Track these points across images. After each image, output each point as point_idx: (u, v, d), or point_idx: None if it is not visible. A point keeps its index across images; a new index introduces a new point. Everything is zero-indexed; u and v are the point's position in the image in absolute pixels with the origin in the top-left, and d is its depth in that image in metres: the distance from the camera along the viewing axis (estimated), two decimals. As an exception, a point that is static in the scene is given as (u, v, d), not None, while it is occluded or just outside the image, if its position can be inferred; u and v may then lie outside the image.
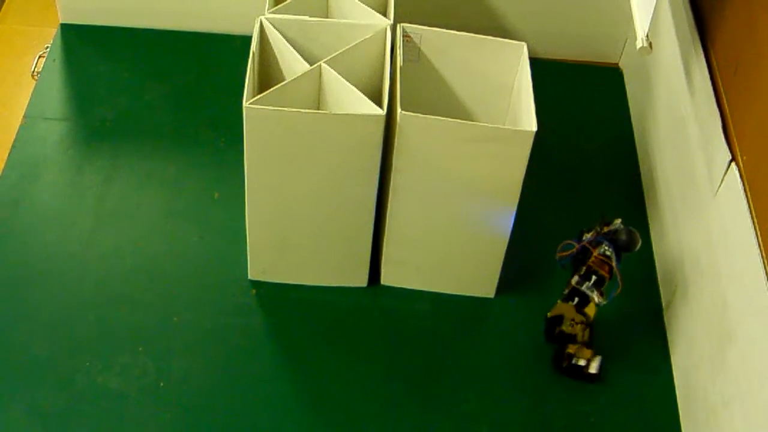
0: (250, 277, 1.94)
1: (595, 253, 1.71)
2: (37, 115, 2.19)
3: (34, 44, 2.40)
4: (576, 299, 1.77)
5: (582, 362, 1.82)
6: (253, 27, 1.78)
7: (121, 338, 1.84)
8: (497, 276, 1.93)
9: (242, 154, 1.72)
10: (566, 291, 1.77)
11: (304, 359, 1.85)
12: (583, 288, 1.73)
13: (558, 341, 1.84)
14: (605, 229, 1.75)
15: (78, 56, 2.33)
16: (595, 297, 1.73)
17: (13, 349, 1.81)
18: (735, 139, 1.72)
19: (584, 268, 1.73)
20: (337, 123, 1.69)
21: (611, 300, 1.73)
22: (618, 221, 1.75)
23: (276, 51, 1.81)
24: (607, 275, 1.72)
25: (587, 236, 1.75)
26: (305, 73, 1.74)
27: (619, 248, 1.72)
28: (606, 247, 1.72)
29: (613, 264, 1.71)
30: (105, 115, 2.20)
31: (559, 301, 1.79)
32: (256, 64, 1.77)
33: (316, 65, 1.75)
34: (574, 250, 1.74)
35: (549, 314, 1.82)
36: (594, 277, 1.72)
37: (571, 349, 1.82)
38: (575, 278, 1.74)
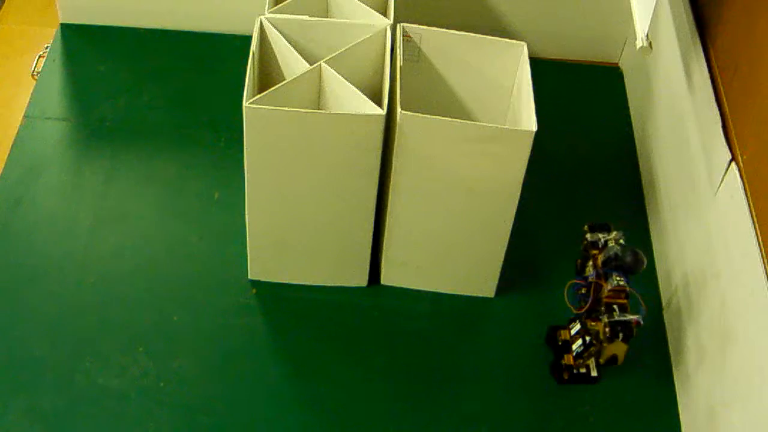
0: (250, 277, 1.94)
1: (608, 288, 1.70)
2: (37, 115, 2.19)
3: (34, 44, 2.40)
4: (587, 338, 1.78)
5: (583, 370, 1.83)
6: (253, 27, 1.78)
7: (121, 338, 1.84)
8: (497, 276, 1.93)
9: (242, 154, 1.72)
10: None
11: (303, 359, 1.85)
12: (620, 318, 1.69)
13: (557, 350, 1.85)
14: (600, 257, 1.72)
15: (78, 56, 2.33)
16: (639, 319, 1.70)
17: (13, 349, 1.81)
18: (735, 139, 1.71)
19: (603, 307, 1.71)
20: (337, 123, 1.68)
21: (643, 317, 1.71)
22: (612, 242, 1.73)
23: (276, 51, 1.81)
24: (626, 301, 1.71)
25: (589, 267, 1.74)
26: (305, 72, 1.74)
27: (626, 272, 1.70)
28: (618, 279, 1.69)
29: (628, 289, 1.69)
30: (105, 115, 2.20)
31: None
32: (256, 64, 1.77)
33: (316, 65, 1.75)
34: (584, 291, 1.74)
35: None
36: (616, 308, 1.70)
37: (567, 360, 1.82)
38: (604, 319, 1.70)
